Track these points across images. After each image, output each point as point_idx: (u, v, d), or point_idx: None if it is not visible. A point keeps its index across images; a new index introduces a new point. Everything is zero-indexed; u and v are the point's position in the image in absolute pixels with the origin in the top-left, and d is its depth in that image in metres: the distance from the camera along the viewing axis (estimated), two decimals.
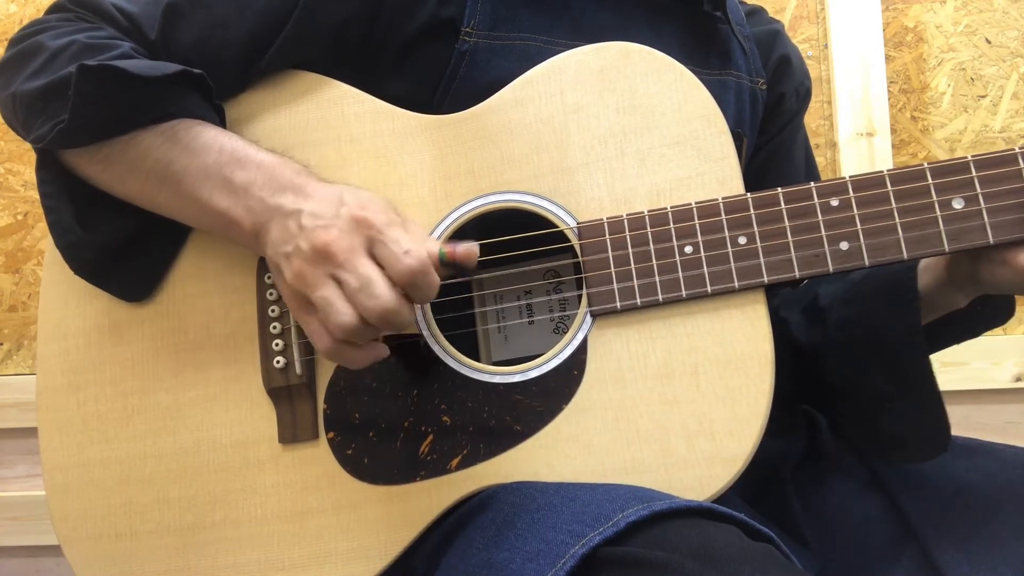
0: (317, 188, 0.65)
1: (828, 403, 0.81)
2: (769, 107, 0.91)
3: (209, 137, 0.69)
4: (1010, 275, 0.62)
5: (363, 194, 0.64)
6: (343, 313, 0.60)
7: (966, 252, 0.64)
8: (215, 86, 0.71)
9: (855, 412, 0.75)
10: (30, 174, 1.46)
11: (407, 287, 0.61)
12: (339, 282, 0.61)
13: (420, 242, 0.63)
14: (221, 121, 0.73)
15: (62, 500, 0.75)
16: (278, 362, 0.71)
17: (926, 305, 0.70)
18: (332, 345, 0.63)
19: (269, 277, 0.73)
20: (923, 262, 0.69)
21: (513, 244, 0.70)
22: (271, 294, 0.73)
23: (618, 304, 0.66)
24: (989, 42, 1.38)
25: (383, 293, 0.60)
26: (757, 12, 0.96)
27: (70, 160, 0.72)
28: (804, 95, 0.95)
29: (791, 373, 0.79)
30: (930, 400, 0.69)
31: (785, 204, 0.65)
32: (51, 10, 0.76)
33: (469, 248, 0.64)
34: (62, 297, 0.78)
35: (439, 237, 0.70)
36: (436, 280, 0.62)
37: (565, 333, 0.68)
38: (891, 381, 0.71)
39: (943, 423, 0.69)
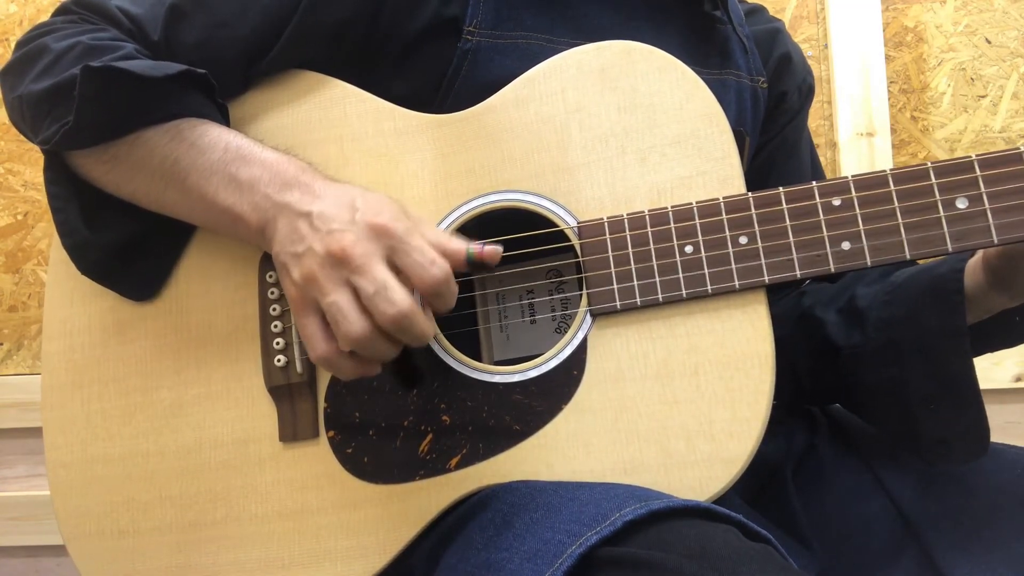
0: (325, 187, 0.65)
1: (864, 404, 0.80)
2: (771, 106, 0.91)
3: (214, 135, 0.69)
4: None
5: (374, 197, 0.64)
6: (354, 321, 0.60)
7: (1002, 252, 0.64)
8: (218, 86, 0.72)
9: (894, 414, 0.74)
10: (30, 174, 1.46)
11: (430, 296, 0.62)
12: (354, 288, 0.61)
13: (443, 244, 0.63)
14: (225, 119, 0.73)
15: (66, 497, 0.75)
16: (279, 360, 0.71)
17: (972, 307, 0.69)
18: (328, 352, 0.62)
19: (271, 276, 0.73)
20: (969, 265, 0.69)
21: (515, 243, 0.70)
22: (272, 293, 0.73)
23: (618, 304, 0.66)
24: (989, 42, 1.38)
25: (401, 298, 0.59)
26: (757, 11, 0.96)
27: (77, 161, 0.72)
28: (807, 92, 0.95)
29: (820, 373, 0.79)
30: (971, 402, 0.68)
31: (786, 204, 0.65)
32: (56, 13, 0.76)
33: (495, 248, 0.65)
34: (66, 296, 0.78)
35: None
36: (456, 289, 0.63)
37: (566, 333, 0.68)
38: (933, 383, 0.70)
39: (983, 425, 0.69)
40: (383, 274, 0.60)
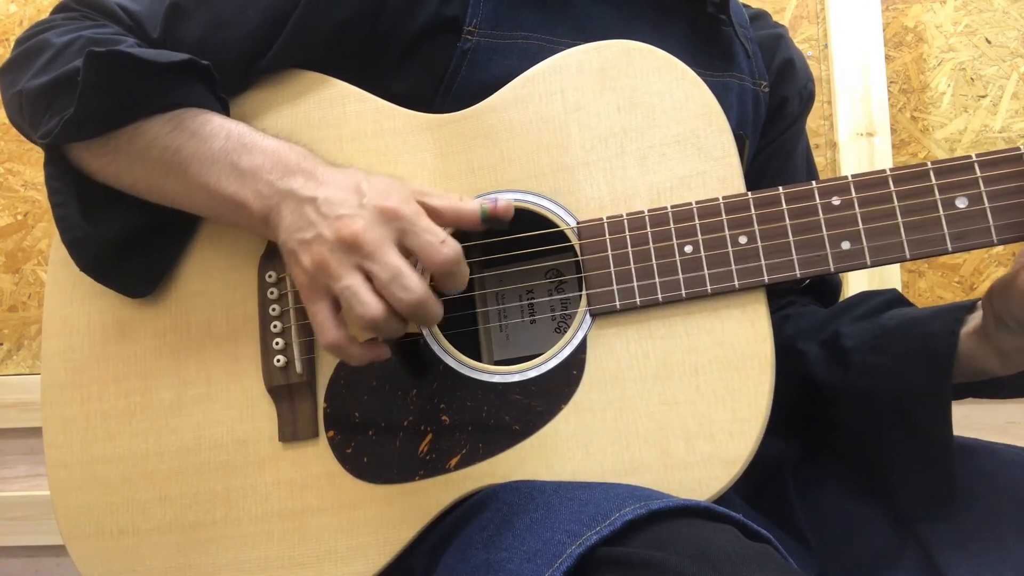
0: (328, 172, 0.65)
1: (838, 443, 0.79)
2: (772, 110, 0.91)
3: (216, 124, 0.69)
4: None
5: (380, 179, 0.64)
6: (370, 304, 0.60)
7: (989, 302, 0.64)
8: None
9: (866, 458, 0.74)
10: (30, 174, 1.46)
11: (442, 276, 0.62)
12: (367, 273, 0.61)
13: (455, 205, 0.63)
14: (226, 113, 0.73)
15: (66, 497, 0.75)
16: (278, 360, 0.71)
17: (965, 371, 0.68)
18: (339, 338, 0.63)
19: (270, 276, 0.73)
20: (965, 328, 0.68)
21: (514, 243, 0.70)
22: (272, 292, 0.73)
23: (617, 304, 0.66)
24: (989, 42, 1.38)
25: (416, 285, 0.60)
26: (761, 16, 0.96)
27: (77, 155, 0.72)
28: (807, 98, 0.95)
29: (799, 405, 0.77)
30: (943, 462, 0.68)
31: (786, 203, 0.65)
32: (56, 10, 0.76)
33: (508, 203, 0.65)
34: (66, 295, 0.78)
35: None
36: (467, 270, 0.63)
37: (566, 332, 0.68)
38: (907, 438, 0.70)
39: (951, 485, 0.69)
40: (396, 260, 0.60)
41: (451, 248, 0.61)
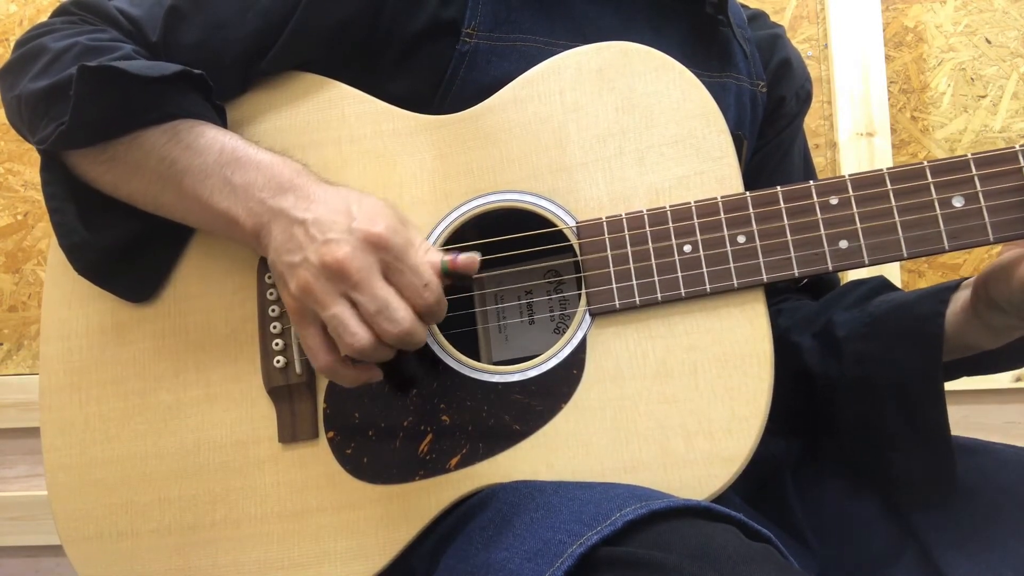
0: (320, 191, 0.65)
1: (836, 435, 0.79)
2: (769, 110, 0.91)
3: (210, 137, 0.69)
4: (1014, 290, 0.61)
5: (371, 205, 0.64)
6: (358, 335, 0.60)
7: (984, 285, 0.64)
8: (216, 87, 0.72)
9: (865, 449, 0.75)
10: (30, 174, 1.46)
11: (422, 315, 0.63)
12: (353, 303, 0.61)
13: (425, 258, 0.63)
14: (222, 121, 0.73)
15: (64, 500, 0.75)
16: (278, 362, 0.71)
17: (956, 347, 0.69)
18: (331, 362, 0.64)
19: (269, 277, 0.73)
20: (952, 307, 0.68)
21: (513, 244, 0.70)
22: (271, 294, 0.73)
23: (616, 303, 0.66)
24: (989, 42, 1.38)
25: (403, 317, 0.61)
26: (759, 16, 0.96)
27: (74, 162, 0.72)
28: (804, 98, 0.95)
29: (794, 399, 0.78)
30: (941, 447, 0.69)
31: (784, 203, 0.65)
32: (55, 13, 0.76)
33: (470, 257, 0.64)
34: (65, 298, 0.78)
35: (439, 238, 0.70)
36: (446, 305, 0.64)
37: (565, 332, 0.68)
38: (905, 424, 0.70)
39: (952, 470, 0.69)
40: (382, 291, 0.61)
41: (432, 293, 0.62)
